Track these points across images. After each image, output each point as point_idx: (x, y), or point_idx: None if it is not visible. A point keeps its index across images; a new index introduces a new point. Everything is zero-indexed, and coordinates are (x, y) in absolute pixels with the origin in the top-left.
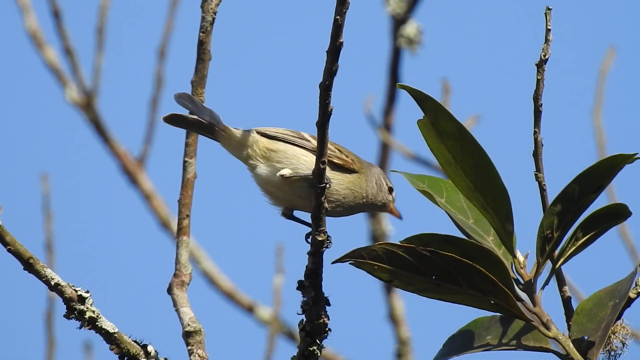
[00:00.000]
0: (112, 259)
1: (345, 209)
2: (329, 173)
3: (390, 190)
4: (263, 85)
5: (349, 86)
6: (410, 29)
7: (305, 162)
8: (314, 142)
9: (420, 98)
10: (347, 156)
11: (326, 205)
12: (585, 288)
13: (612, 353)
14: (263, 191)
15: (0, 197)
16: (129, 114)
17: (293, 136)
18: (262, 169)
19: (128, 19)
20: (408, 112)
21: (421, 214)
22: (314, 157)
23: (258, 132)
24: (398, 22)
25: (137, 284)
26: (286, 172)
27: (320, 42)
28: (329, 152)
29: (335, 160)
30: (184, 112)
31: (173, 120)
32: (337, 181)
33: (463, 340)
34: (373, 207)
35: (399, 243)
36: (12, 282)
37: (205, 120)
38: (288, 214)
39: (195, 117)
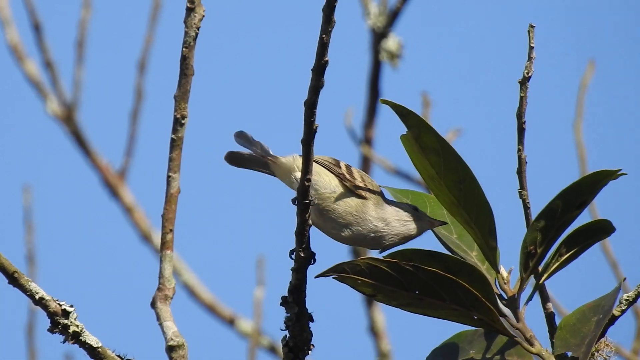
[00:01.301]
0: (94, 272)
1: (351, 235)
2: (337, 188)
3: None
4: (246, 99)
5: (329, 99)
6: (391, 42)
7: (323, 180)
8: (343, 169)
9: (403, 113)
10: (363, 181)
11: (309, 222)
12: (568, 304)
13: None
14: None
15: None
16: (110, 126)
17: (329, 162)
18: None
19: (108, 33)
20: (389, 125)
21: None
22: (334, 178)
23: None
24: (378, 35)
25: (120, 297)
26: (298, 174)
27: (304, 57)
28: (341, 173)
29: (348, 185)
30: (240, 149)
31: (232, 159)
32: (338, 198)
33: (446, 353)
34: (406, 234)
35: (382, 258)
36: None
37: (258, 152)
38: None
39: (250, 152)
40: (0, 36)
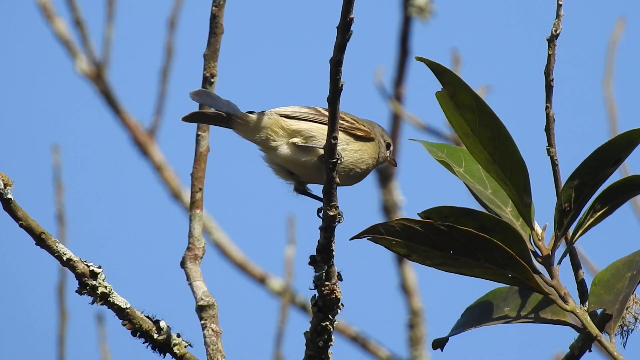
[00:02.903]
0: (124, 231)
1: (363, 175)
2: (354, 144)
3: (388, 146)
4: (275, 59)
5: (359, 57)
6: None
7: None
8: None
9: (439, 71)
10: (364, 126)
11: (337, 180)
12: (602, 262)
13: (625, 328)
14: (279, 169)
15: (11, 170)
16: (140, 85)
17: (312, 114)
18: (285, 148)
19: None
20: (419, 82)
21: (434, 184)
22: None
23: (279, 114)
24: None
25: (150, 256)
26: (297, 140)
27: (332, 16)
28: (351, 125)
29: (359, 133)
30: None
31: (193, 118)
32: (360, 152)
33: (481, 311)
34: (376, 167)
35: (418, 216)
36: (24, 255)
37: (225, 113)
38: (301, 189)
39: (214, 111)
40: None
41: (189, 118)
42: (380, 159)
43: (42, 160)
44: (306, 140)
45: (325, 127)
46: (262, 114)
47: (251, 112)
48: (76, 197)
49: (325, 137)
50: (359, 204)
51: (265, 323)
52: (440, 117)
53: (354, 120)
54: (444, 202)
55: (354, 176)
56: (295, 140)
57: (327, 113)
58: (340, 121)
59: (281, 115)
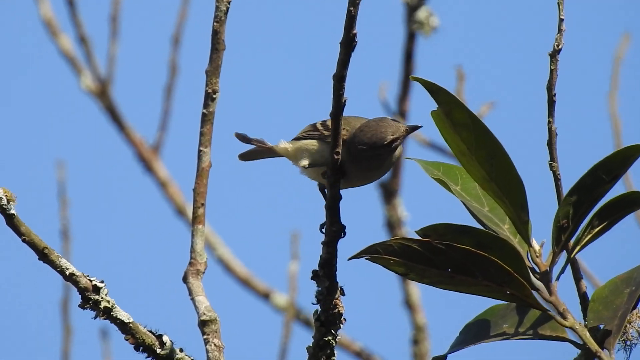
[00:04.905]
0: (128, 247)
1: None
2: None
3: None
4: (278, 74)
5: (364, 72)
6: (423, 13)
7: (315, 151)
8: (321, 129)
9: (434, 90)
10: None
11: (340, 196)
12: (602, 275)
13: (628, 343)
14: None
15: (16, 185)
16: (144, 101)
17: (309, 131)
18: (298, 168)
19: (141, 7)
20: (423, 98)
21: (435, 201)
22: (323, 144)
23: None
24: (412, 8)
25: (153, 271)
26: (305, 163)
27: (334, 30)
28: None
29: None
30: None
31: (248, 156)
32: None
33: (479, 328)
34: (388, 158)
35: (416, 234)
36: (29, 270)
37: (257, 145)
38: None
39: (254, 147)
40: (35, 11)
41: (245, 157)
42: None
43: (47, 175)
44: (309, 160)
45: (312, 141)
46: (280, 143)
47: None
48: (81, 212)
49: (311, 151)
50: (362, 220)
51: (269, 338)
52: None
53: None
54: (448, 217)
55: (364, 179)
56: (304, 162)
57: (318, 127)
58: (325, 131)
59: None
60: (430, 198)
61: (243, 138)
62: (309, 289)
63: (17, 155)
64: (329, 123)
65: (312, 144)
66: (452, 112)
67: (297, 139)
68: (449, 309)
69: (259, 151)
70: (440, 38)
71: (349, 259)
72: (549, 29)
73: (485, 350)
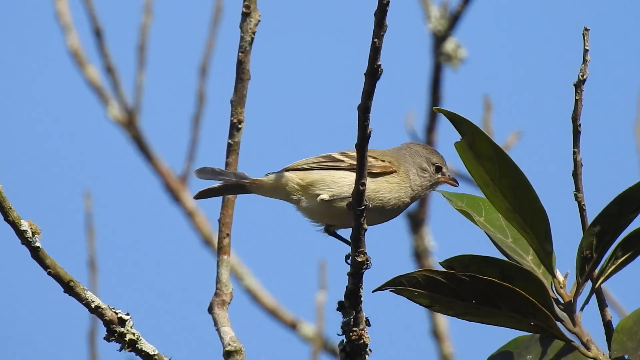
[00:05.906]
0: (155, 277)
1: (395, 211)
2: (372, 183)
3: (438, 169)
4: (303, 103)
5: (391, 102)
6: (450, 45)
7: (346, 183)
8: (346, 159)
9: (457, 121)
10: (383, 160)
11: (365, 226)
12: (628, 304)
13: None
14: (308, 218)
15: (42, 215)
16: (171, 131)
17: (324, 161)
18: (305, 201)
19: (168, 37)
20: (450, 128)
21: (462, 230)
22: (352, 174)
23: (289, 170)
24: (439, 38)
25: (180, 303)
26: (325, 196)
27: (361, 61)
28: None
29: (375, 170)
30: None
31: (204, 194)
32: (382, 190)
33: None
34: (424, 193)
35: (440, 265)
36: (55, 301)
37: (232, 181)
38: (330, 230)
39: (221, 184)
40: (62, 42)
41: (199, 195)
42: (427, 186)
43: (75, 206)
44: (331, 194)
45: (339, 173)
46: (277, 173)
47: (270, 173)
48: (108, 243)
49: (340, 183)
50: (389, 249)
51: None
52: None
53: (372, 157)
54: (475, 246)
55: (384, 214)
56: (324, 196)
57: (340, 157)
58: (352, 161)
59: (294, 170)
60: (457, 227)
61: (212, 172)
62: (337, 319)
63: (45, 185)
64: (351, 153)
65: (339, 175)
66: (475, 143)
67: (302, 169)
68: (476, 339)
69: (226, 187)
70: (467, 67)
71: (374, 291)
72: (575, 59)
73: None
